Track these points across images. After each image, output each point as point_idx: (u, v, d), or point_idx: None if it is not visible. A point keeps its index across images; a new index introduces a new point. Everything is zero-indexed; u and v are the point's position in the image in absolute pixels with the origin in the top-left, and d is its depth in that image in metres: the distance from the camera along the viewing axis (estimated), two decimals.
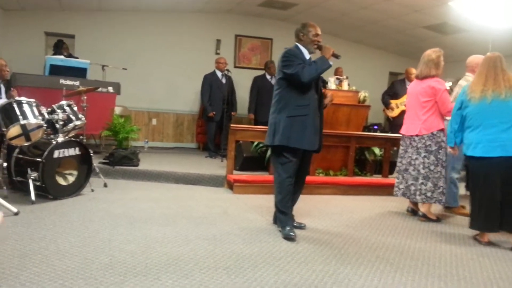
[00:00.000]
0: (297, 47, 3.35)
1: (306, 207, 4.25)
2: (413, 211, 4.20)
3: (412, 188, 3.97)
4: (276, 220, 3.49)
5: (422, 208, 4.04)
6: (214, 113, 6.68)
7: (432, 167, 3.88)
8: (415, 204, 4.20)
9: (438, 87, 3.85)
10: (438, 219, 3.99)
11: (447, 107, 3.83)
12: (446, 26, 7.05)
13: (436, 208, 4.23)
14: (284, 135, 3.20)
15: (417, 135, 3.94)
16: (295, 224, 3.43)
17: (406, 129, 4.08)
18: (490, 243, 3.31)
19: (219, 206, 4.09)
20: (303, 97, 3.23)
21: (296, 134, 3.19)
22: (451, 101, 3.88)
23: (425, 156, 3.90)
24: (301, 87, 3.21)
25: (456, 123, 3.52)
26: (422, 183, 3.91)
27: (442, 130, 3.90)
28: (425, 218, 3.99)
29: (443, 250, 3.12)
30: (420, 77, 3.98)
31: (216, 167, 5.71)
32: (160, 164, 5.64)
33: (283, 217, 3.28)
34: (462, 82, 4.21)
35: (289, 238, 3.13)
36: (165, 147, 7.94)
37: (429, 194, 3.89)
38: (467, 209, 4.33)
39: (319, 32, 3.37)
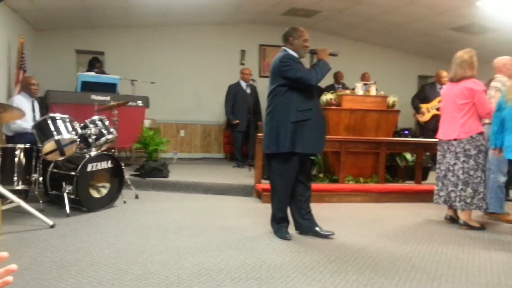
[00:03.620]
0: (286, 52, 3.31)
1: (336, 215, 4.19)
2: (452, 219, 4.02)
3: (453, 194, 3.81)
4: (298, 228, 3.45)
5: (462, 216, 3.84)
6: (237, 121, 6.71)
7: (471, 172, 3.73)
8: (454, 211, 4.02)
9: (476, 88, 3.70)
10: (482, 227, 3.82)
11: (486, 109, 3.70)
12: (475, 27, 6.87)
13: (476, 214, 4.07)
14: (289, 141, 3.18)
15: (455, 139, 3.78)
16: (322, 233, 3.37)
17: (443, 133, 3.93)
18: None
19: (249, 215, 4.08)
20: (306, 101, 3.22)
21: (301, 139, 3.18)
22: (489, 103, 3.76)
23: (464, 161, 3.74)
24: (303, 92, 3.21)
25: (496, 125, 3.48)
26: (461, 189, 3.75)
27: (481, 133, 3.75)
28: (467, 226, 3.80)
29: (483, 258, 3.00)
30: (455, 80, 3.84)
31: (244, 176, 5.72)
32: (189, 175, 5.70)
33: (277, 226, 3.36)
34: (495, 84, 4.08)
35: (284, 238, 3.27)
36: (193, 158, 8.03)
37: (468, 200, 3.74)
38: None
39: (308, 38, 3.33)
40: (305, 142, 3.19)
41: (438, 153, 4.00)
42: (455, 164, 3.80)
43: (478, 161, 3.73)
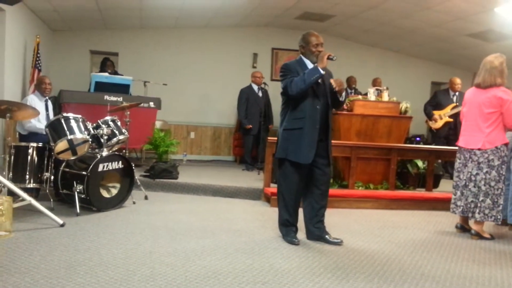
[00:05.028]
0: (300, 59, 3.34)
1: (345, 221, 4.17)
2: (463, 228, 3.96)
3: (473, 205, 3.73)
4: (308, 234, 3.43)
5: (475, 226, 3.78)
6: (250, 126, 6.73)
7: (492, 183, 3.64)
8: (465, 220, 3.95)
9: (506, 97, 3.58)
10: (492, 237, 3.76)
11: None
12: (491, 33, 6.78)
13: (487, 224, 4.01)
14: (282, 148, 3.27)
15: (479, 149, 3.67)
16: (331, 240, 3.35)
17: (466, 141, 3.79)
18: None
19: (257, 219, 4.07)
20: (299, 109, 3.22)
21: (292, 147, 3.22)
22: None
23: (487, 172, 3.64)
24: (296, 100, 3.21)
25: None
26: (482, 200, 3.66)
27: (506, 144, 3.66)
28: (478, 236, 3.75)
29: (493, 268, 2.95)
30: (483, 86, 3.69)
31: (253, 180, 5.71)
32: (198, 177, 5.71)
33: (285, 230, 3.35)
34: None
35: (292, 243, 3.25)
36: (203, 160, 8.04)
37: (487, 211, 3.65)
38: None
39: (321, 41, 3.27)
40: (295, 150, 3.21)
41: (458, 160, 3.87)
42: (477, 174, 3.69)
43: (500, 172, 3.64)
